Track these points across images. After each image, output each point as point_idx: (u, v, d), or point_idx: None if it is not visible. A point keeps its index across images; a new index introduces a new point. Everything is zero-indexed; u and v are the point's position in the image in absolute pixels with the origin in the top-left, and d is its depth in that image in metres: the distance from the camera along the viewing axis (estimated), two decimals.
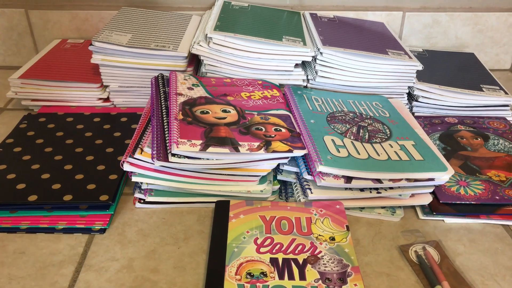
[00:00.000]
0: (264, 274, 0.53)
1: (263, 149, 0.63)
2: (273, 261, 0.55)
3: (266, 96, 0.78)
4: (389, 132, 0.73)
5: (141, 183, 0.67)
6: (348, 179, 0.64)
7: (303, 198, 0.66)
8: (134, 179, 0.65)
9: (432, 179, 0.65)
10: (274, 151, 0.63)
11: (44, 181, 0.66)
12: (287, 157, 0.66)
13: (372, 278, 0.57)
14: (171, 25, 0.95)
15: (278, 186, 0.69)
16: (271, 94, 0.79)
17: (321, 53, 0.83)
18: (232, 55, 0.83)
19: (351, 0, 1.05)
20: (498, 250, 0.61)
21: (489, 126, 0.85)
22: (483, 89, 0.90)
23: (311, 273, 0.54)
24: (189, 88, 0.76)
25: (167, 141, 0.64)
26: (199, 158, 0.62)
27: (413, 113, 0.89)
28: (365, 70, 0.85)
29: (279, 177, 0.69)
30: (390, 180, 0.64)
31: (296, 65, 0.86)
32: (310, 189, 0.65)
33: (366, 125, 0.75)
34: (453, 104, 0.88)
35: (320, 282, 0.53)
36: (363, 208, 0.67)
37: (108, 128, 0.81)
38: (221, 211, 0.63)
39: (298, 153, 0.64)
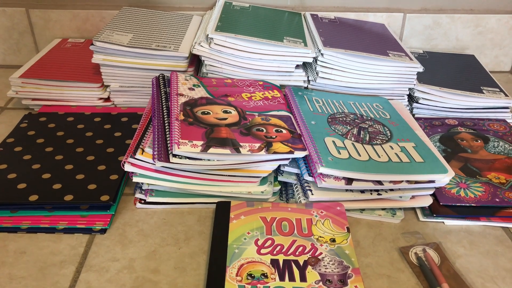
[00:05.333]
0: (264, 275, 0.54)
1: (264, 150, 0.63)
2: (274, 262, 0.55)
3: (267, 97, 0.78)
4: (389, 134, 0.73)
5: (142, 183, 0.67)
6: (349, 180, 0.64)
7: (304, 199, 0.66)
8: (135, 179, 0.65)
9: (433, 181, 0.65)
10: (275, 152, 0.63)
11: (45, 181, 0.66)
12: (288, 158, 0.66)
13: (373, 279, 0.57)
14: (172, 25, 0.95)
15: (279, 187, 0.69)
16: (272, 95, 0.79)
17: (322, 54, 0.83)
18: (233, 55, 0.83)
19: (352, 1, 1.05)
20: (498, 252, 0.61)
21: (489, 128, 0.85)
22: (483, 91, 0.90)
23: (312, 274, 0.54)
24: (190, 89, 0.76)
25: (168, 142, 0.64)
26: (200, 159, 0.62)
27: (413, 115, 0.89)
28: (366, 72, 0.85)
29: (280, 178, 0.69)
30: (390, 182, 0.65)
31: (297, 66, 0.86)
32: (310, 190, 0.65)
33: (367, 126, 0.75)
34: (453, 106, 0.88)
35: (320, 283, 0.53)
36: (363, 209, 0.67)
37: (108, 128, 0.81)
38: (222, 212, 0.63)
39: (299, 154, 0.64)
